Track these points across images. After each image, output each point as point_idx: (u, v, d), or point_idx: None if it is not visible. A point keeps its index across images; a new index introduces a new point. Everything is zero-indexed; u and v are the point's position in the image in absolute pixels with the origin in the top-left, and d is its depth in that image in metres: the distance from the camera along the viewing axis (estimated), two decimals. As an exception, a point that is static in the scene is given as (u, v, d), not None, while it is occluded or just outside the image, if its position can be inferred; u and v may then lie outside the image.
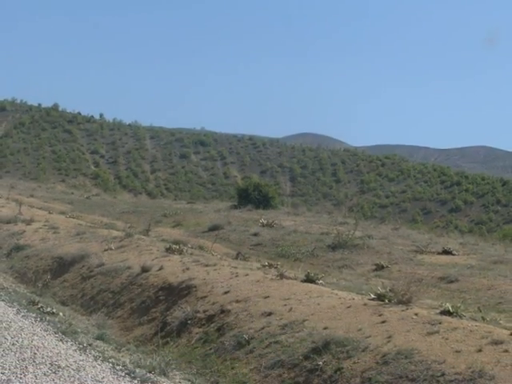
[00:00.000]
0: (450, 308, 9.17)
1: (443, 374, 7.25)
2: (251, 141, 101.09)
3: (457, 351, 7.65)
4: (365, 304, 9.97)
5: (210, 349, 9.97)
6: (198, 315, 11.10)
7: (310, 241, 20.63)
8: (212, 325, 10.65)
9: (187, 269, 13.44)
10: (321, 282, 12.22)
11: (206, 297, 11.67)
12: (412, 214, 72.58)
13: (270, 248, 20.38)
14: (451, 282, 14.47)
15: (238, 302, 11.03)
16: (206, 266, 13.63)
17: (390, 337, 8.42)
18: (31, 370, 8.07)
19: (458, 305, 9.56)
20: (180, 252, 15.43)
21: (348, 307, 9.92)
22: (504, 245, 22.52)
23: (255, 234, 22.36)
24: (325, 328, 9.15)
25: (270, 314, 10.23)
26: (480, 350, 7.57)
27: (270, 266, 14.21)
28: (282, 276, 12.24)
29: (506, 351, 7.45)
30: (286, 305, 10.44)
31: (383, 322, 8.99)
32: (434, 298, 12.25)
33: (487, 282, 14.21)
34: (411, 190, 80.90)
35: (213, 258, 15.11)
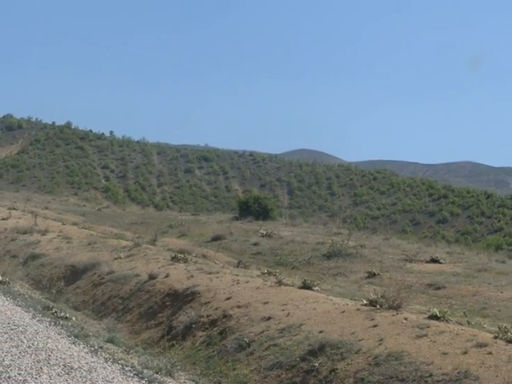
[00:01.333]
0: (438, 313, 9.17)
1: (431, 375, 7.26)
2: (251, 156, 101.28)
3: (444, 353, 7.66)
4: (358, 309, 9.97)
5: (213, 351, 9.97)
6: (202, 319, 11.10)
7: (307, 250, 20.64)
8: (215, 329, 10.64)
9: (191, 276, 13.44)
10: (317, 288, 12.21)
11: (209, 302, 11.66)
12: (402, 225, 72.55)
13: (269, 257, 20.39)
14: (439, 288, 14.48)
15: (239, 307, 11.02)
16: (209, 273, 13.62)
17: (381, 340, 8.42)
18: (46, 371, 8.08)
19: (445, 310, 9.56)
20: (185, 261, 15.42)
21: (342, 312, 9.92)
22: (488, 254, 22.57)
23: (255, 244, 22.36)
24: (320, 332, 9.15)
25: (269, 318, 10.23)
26: (465, 353, 7.58)
27: (269, 273, 14.20)
28: (280, 283, 12.24)
29: (490, 353, 7.46)
30: (284, 310, 10.44)
31: (375, 326, 8.99)
32: (423, 303, 12.26)
33: (472, 288, 14.22)
34: (401, 203, 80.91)
35: (215, 266, 15.11)
